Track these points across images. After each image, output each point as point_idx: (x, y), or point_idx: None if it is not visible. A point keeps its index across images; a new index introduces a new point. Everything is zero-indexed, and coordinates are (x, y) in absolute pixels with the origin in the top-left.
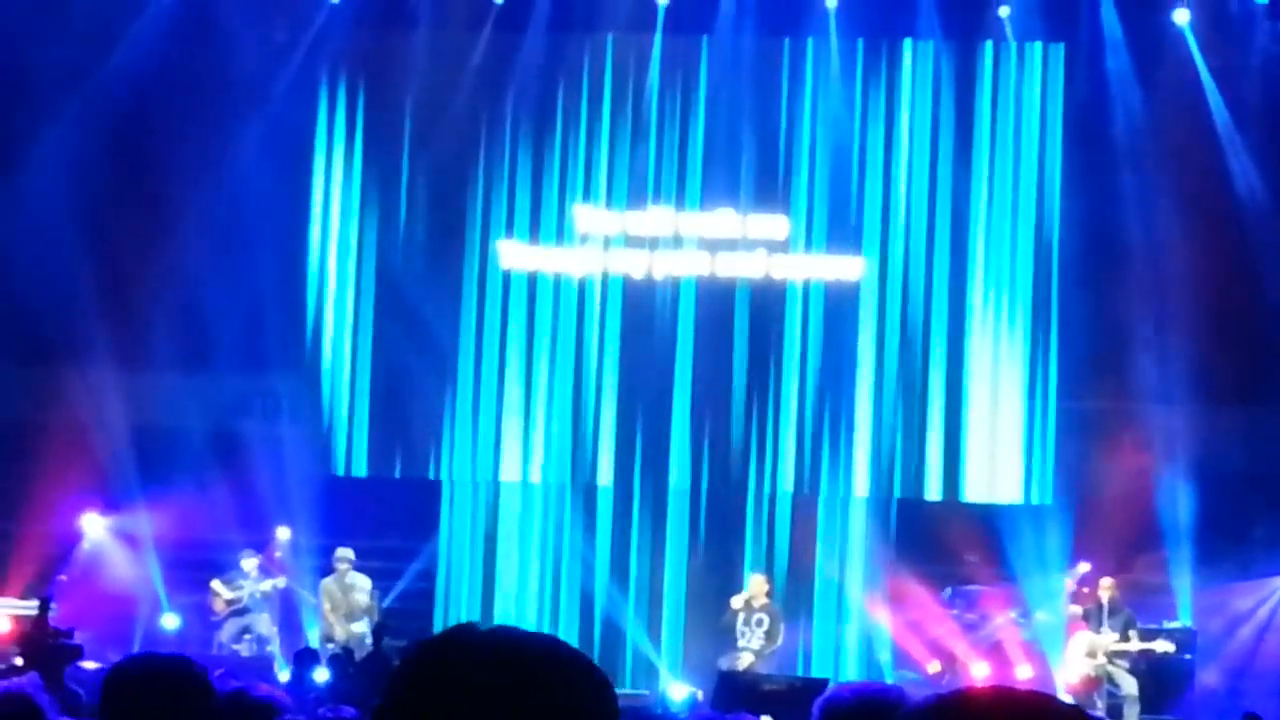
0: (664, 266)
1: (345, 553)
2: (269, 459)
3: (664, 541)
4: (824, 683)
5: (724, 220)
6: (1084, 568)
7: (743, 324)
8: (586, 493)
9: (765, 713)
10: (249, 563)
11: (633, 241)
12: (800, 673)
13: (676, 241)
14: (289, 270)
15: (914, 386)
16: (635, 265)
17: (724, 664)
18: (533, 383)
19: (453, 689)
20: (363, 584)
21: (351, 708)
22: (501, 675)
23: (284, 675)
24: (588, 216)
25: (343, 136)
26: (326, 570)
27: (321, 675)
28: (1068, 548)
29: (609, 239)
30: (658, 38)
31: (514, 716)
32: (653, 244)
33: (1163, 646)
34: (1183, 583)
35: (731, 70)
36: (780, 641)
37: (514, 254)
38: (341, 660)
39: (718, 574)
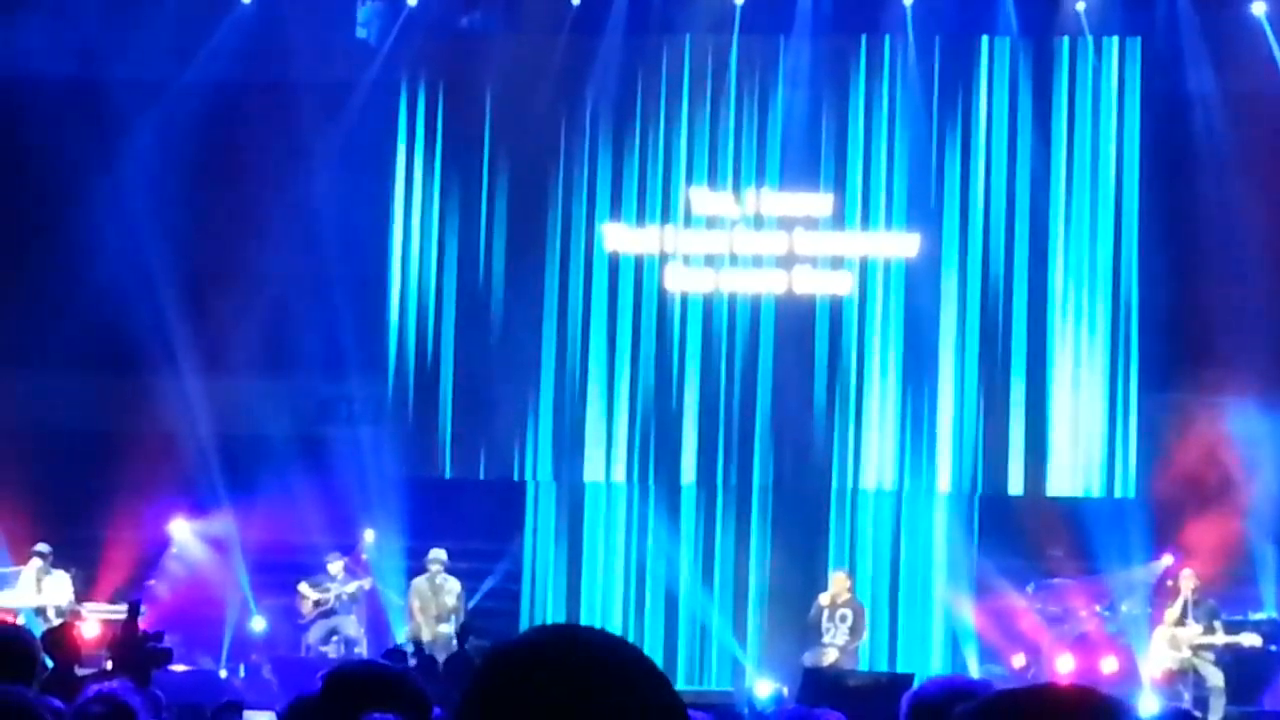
0: (744, 265)
1: (438, 554)
2: (353, 462)
3: (748, 539)
4: (909, 678)
5: (802, 210)
6: (1168, 560)
7: (824, 321)
8: (670, 491)
9: (850, 708)
10: (335, 565)
11: (713, 227)
12: (885, 668)
13: (758, 223)
14: (371, 273)
15: (996, 381)
16: (717, 260)
17: (809, 660)
18: (616, 382)
19: (522, 698)
20: (453, 586)
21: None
22: (569, 684)
23: None
24: (675, 219)
25: (422, 139)
26: (413, 572)
27: None
28: (1151, 540)
29: (693, 237)
30: (735, 38)
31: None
32: (731, 240)
33: (1249, 640)
34: (1268, 573)
35: (808, 69)
36: (865, 636)
37: (595, 254)
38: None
39: (801, 571)
